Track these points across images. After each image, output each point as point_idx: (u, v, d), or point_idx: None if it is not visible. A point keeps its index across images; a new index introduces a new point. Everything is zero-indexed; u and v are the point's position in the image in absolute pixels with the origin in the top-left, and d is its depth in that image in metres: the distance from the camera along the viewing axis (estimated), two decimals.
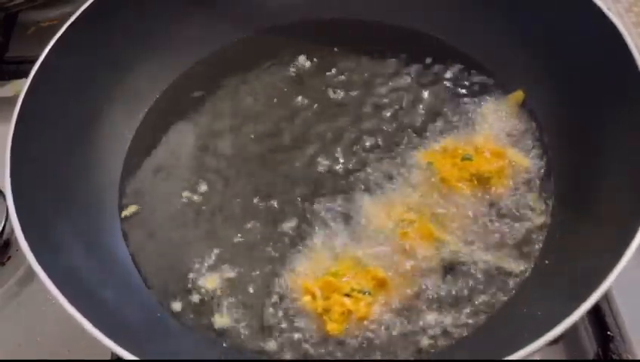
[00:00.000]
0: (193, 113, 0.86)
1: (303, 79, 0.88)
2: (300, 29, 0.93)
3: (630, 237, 0.55)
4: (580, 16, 0.72)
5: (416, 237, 0.70)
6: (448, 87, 0.83)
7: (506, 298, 0.66)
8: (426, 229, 0.70)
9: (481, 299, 0.66)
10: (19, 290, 0.80)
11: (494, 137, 0.77)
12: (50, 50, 0.74)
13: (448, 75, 0.84)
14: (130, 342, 0.55)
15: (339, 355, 0.64)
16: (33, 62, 0.73)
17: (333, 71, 0.88)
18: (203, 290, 0.70)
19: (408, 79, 0.85)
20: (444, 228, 0.71)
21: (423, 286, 0.67)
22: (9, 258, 0.82)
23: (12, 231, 0.74)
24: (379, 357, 0.64)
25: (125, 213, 0.77)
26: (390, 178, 0.75)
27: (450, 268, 0.68)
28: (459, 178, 0.73)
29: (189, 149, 0.82)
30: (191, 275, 0.71)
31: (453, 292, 0.67)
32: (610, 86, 0.69)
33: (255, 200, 0.76)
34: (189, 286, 0.71)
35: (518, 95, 0.80)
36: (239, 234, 0.74)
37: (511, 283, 0.67)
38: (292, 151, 0.80)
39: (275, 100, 0.86)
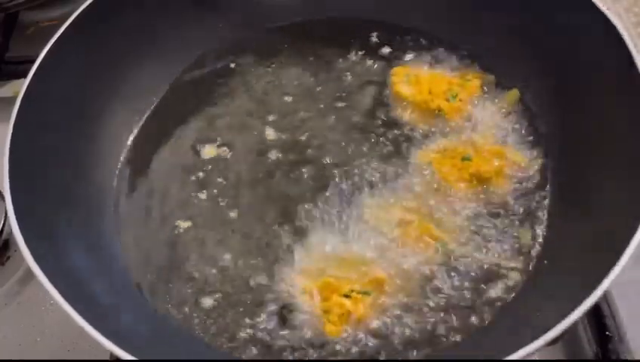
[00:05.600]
0: (193, 113, 0.86)
1: (304, 78, 0.88)
2: (300, 28, 0.93)
3: (629, 237, 0.55)
4: (580, 16, 0.72)
5: (415, 237, 0.70)
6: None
7: (505, 298, 0.66)
8: (425, 229, 0.70)
9: (481, 299, 0.66)
10: (19, 290, 0.80)
11: (494, 137, 0.77)
12: (49, 50, 0.74)
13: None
14: (128, 342, 0.55)
15: (338, 356, 0.64)
16: (33, 62, 0.73)
17: (334, 70, 0.88)
18: (202, 291, 0.70)
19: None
20: (444, 228, 0.70)
21: (423, 287, 0.67)
22: (8, 258, 0.82)
23: (11, 231, 0.74)
24: (378, 357, 0.64)
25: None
26: (390, 178, 0.75)
27: (450, 268, 0.68)
28: (458, 178, 0.73)
29: (190, 149, 0.82)
30: (190, 275, 0.71)
31: (453, 293, 0.67)
32: (610, 85, 0.69)
33: (254, 200, 0.76)
34: (188, 286, 0.71)
35: (514, 93, 0.80)
36: (238, 234, 0.74)
37: (510, 283, 0.67)
38: (292, 151, 0.80)
39: (276, 100, 0.86)
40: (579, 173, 0.71)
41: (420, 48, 0.87)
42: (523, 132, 0.78)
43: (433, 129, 0.79)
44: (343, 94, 0.85)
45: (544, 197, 0.72)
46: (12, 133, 0.68)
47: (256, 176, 0.78)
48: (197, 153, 0.82)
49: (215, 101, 0.87)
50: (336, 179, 0.76)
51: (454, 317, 0.65)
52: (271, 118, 0.84)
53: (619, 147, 0.66)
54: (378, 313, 0.66)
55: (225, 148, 0.82)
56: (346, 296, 0.66)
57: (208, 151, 0.82)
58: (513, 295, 0.66)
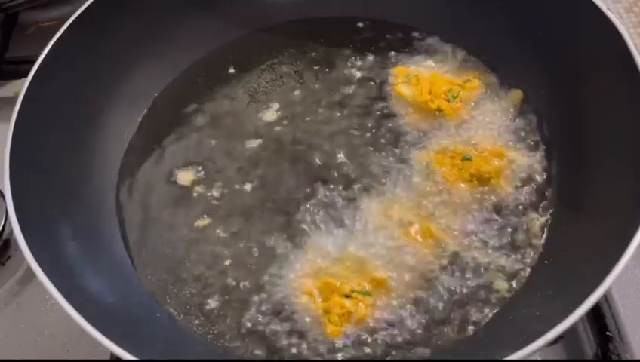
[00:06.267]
0: (193, 112, 0.86)
1: (304, 77, 0.88)
2: (300, 28, 0.93)
3: (630, 237, 0.55)
4: (580, 17, 0.72)
5: (416, 237, 0.70)
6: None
7: (505, 298, 0.66)
8: (425, 229, 0.70)
9: (481, 299, 0.66)
10: (19, 290, 0.80)
11: (494, 137, 0.77)
12: (50, 50, 0.74)
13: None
14: (129, 342, 0.55)
15: (338, 356, 0.64)
16: (33, 62, 0.73)
17: (334, 70, 0.88)
18: (202, 291, 0.70)
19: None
20: (444, 229, 0.71)
21: (423, 287, 0.67)
22: (9, 258, 0.82)
23: (12, 231, 0.74)
24: (378, 357, 0.64)
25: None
26: (390, 178, 0.75)
27: (450, 268, 0.68)
28: (458, 178, 0.73)
29: (189, 148, 0.82)
30: (190, 276, 0.71)
31: (453, 292, 0.67)
32: (610, 86, 0.69)
33: (255, 200, 0.76)
34: (189, 286, 0.71)
35: (517, 94, 0.80)
36: (239, 235, 0.74)
37: (511, 283, 0.67)
38: (292, 150, 0.80)
39: (275, 99, 0.86)
40: (579, 173, 0.71)
41: (420, 48, 0.87)
42: (523, 132, 0.78)
43: (433, 129, 0.79)
44: (344, 94, 0.85)
45: (544, 198, 0.72)
46: (13, 133, 0.68)
47: (256, 177, 0.78)
48: (197, 152, 0.82)
49: (215, 101, 0.87)
50: (337, 180, 0.76)
51: (454, 317, 0.65)
52: (270, 118, 0.84)
53: (619, 147, 0.66)
54: (378, 313, 0.66)
55: (226, 146, 0.82)
56: (347, 296, 0.66)
57: (210, 150, 0.82)
58: (513, 295, 0.66)
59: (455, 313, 0.66)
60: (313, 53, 0.90)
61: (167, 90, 0.89)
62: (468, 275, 0.68)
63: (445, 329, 0.65)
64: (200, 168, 0.80)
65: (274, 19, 0.93)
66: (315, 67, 0.88)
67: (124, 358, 0.54)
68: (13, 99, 0.70)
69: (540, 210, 0.71)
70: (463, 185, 0.73)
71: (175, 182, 0.79)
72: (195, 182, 0.79)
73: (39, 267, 0.58)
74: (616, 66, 0.67)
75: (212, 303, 0.69)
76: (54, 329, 0.76)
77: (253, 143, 0.82)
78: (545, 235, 0.70)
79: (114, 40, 0.82)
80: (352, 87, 0.85)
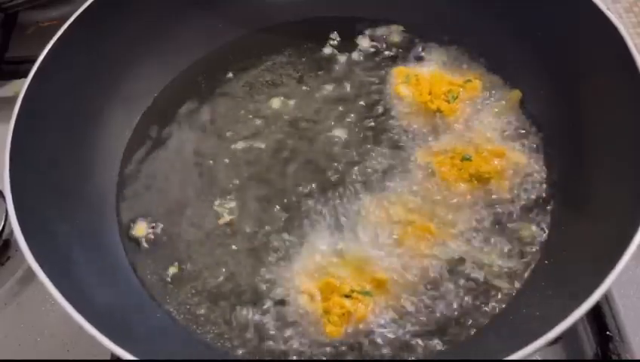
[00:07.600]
0: (193, 111, 0.86)
1: (303, 77, 0.88)
2: (300, 27, 0.93)
3: (630, 237, 0.55)
4: (580, 17, 0.72)
5: (416, 237, 0.70)
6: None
7: (505, 298, 0.66)
8: (425, 229, 0.70)
9: (481, 298, 0.66)
10: (19, 290, 0.80)
11: (494, 137, 0.77)
12: (50, 50, 0.74)
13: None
14: (129, 341, 0.55)
15: (338, 356, 0.64)
16: (33, 62, 0.73)
17: (333, 69, 0.88)
18: (202, 291, 0.70)
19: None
20: (444, 229, 0.71)
21: (423, 287, 0.67)
22: (8, 258, 0.82)
23: (12, 231, 0.74)
24: (378, 358, 0.64)
25: (134, 232, 0.76)
26: (390, 178, 0.75)
27: (450, 268, 0.68)
28: (458, 178, 0.73)
29: (189, 148, 0.82)
30: (190, 276, 0.71)
31: (453, 292, 0.67)
32: (610, 86, 0.69)
33: (255, 201, 0.76)
34: (189, 286, 0.71)
35: (516, 94, 0.80)
36: (239, 235, 0.74)
37: (511, 283, 0.67)
38: (291, 151, 0.80)
39: (275, 100, 0.86)
40: (579, 173, 0.71)
41: (420, 48, 0.87)
42: (523, 132, 0.78)
43: (433, 129, 0.79)
44: (344, 94, 0.85)
45: (544, 198, 0.72)
46: (12, 133, 0.68)
47: (257, 176, 0.78)
48: (198, 150, 0.82)
49: (215, 101, 0.87)
50: (337, 180, 0.76)
51: (454, 317, 0.65)
52: (270, 118, 0.84)
53: (619, 147, 0.66)
54: (378, 313, 0.66)
55: (224, 146, 0.82)
56: (347, 296, 0.66)
57: (209, 149, 0.82)
58: (513, 295, 0.66)
59: (455, 313, 0.66)
60: (313, 54, 0.90)
61: (167, 90, 0.89)
62: (467, 275, 0.68)
63: (445, 329, 0.65)
64: (199, 168, 0.80)
65: (274, 19, 0.93)
66: (314, 67, 0.88)
67: (124, 358, 0.54)
68: (13, 99, 0.70)
69: (540, 210, 0.71)
70: (462, 185, 0.73)
71: (175, 180, 0.79)
72: (194, 182, 0.79)
73: (39, 267, 0.58)
74: (616, 66, 0.67)
75: (212, 303, 0.69)
76: (54, 329, 0.76)
77: (253, 142, 0.82)
78: (545, 235, 0.70)
79: (114, 40, 0.82)
80: (352, 87, 0.85)
